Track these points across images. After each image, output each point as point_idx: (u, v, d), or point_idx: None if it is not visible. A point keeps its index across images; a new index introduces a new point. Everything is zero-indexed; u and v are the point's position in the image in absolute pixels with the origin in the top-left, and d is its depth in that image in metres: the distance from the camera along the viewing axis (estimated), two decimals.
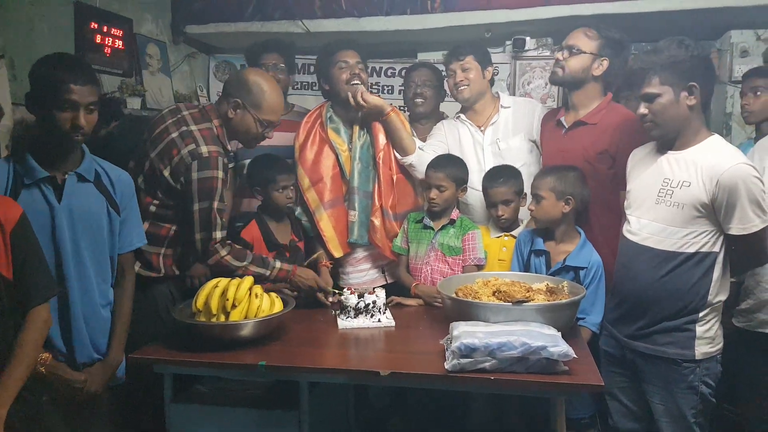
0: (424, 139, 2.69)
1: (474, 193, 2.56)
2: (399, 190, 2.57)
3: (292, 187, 2.44)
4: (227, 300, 1.88)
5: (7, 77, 2.38)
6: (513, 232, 2.45)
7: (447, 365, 1.69)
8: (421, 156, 2.54)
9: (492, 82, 2.70)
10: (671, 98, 1.86)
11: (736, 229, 1.79)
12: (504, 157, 2.57)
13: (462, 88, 2.60)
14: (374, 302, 2.16)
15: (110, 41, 3.04)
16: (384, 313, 2.18)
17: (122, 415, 1.97)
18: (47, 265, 1.61)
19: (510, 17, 3.37)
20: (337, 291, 2.29)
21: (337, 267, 2.62)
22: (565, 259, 2.23)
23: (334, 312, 2.25)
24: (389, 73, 3.96)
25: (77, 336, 1.77)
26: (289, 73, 2.90)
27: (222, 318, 1.89)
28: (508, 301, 1.91)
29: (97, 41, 2.97)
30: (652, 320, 1.93)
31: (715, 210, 1.81)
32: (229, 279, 1.96)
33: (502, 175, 2.39)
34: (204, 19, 3.61)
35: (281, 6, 3.51)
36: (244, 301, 1.91)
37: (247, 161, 2.59)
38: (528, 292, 1.99)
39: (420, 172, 2.53)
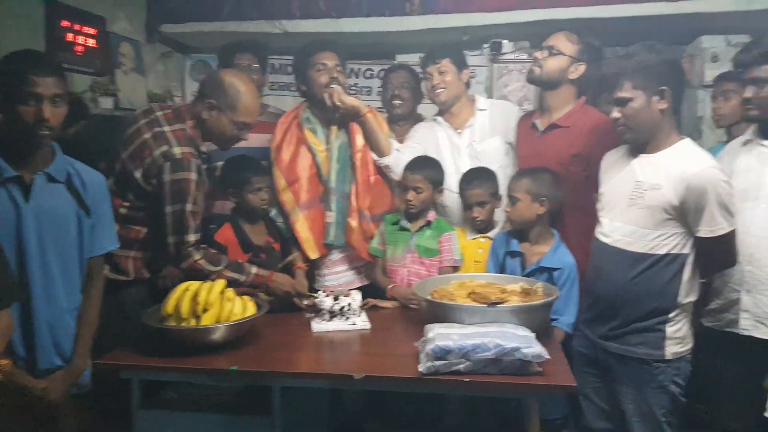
0: (401, 141, 2.69)
1: (451, 195, 2.56)
2: (376, 191, 2.56)
3: (266, 189, 2.42)
4: (198, 304, 1.85)
5: None
6: (489, 234, 2.46)
7: (421, 368, 1.69)
8: (398, 158, 2.53)
9: (468, 84, 2.71)
10: (643, 102, 1.89)
11: (704, 231, 1.82)
12: (480, 160, 2.57)
13: (439, 91, 2.60)
14: (349, 305, 2.14)
15: (82, 39, 2.99)
16: (359, 315, 2.16)
17: (88, 424, 1.92)
18: (10, 268, 1.57)
19: (487, 20, 3.39)
20: (312, 294, 2.27)
21: (313, 269, 2.60)
22: (539, 261, 2.25)
23: (308, 315, 2.23)
24: (367, 75, 3.95)
25: (40, 342, 1.72)
26: (263, 74, 2.88)
27: (193, 322, 1.86)
28: (483, 303, 1.92)
29: (69, 39, 2.92)
30: (623, 321, 1.94)
31: (685, 212, 1.83)
32: (201, 282, 1.94)
33: (477, 177, 2.41)
34: (180, 18, 3.57)
35: (258, 6, 3.49)
36: (216, 304, 1.88)
37: (220, 163, 2.56)
38: (503, 293, 2.00)
39: (396, 173, 2.52)
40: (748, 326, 1.99)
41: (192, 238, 2.03)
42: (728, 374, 2.09)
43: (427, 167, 2.43)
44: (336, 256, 2.59)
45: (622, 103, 1.91)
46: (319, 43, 2.56)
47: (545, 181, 2.25)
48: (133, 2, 3.46)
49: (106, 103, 3.07)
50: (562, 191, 2.29)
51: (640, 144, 1.96)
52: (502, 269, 2.33)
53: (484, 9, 3.38)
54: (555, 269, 2.22)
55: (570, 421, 2.32)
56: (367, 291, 2.44)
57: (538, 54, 2.43)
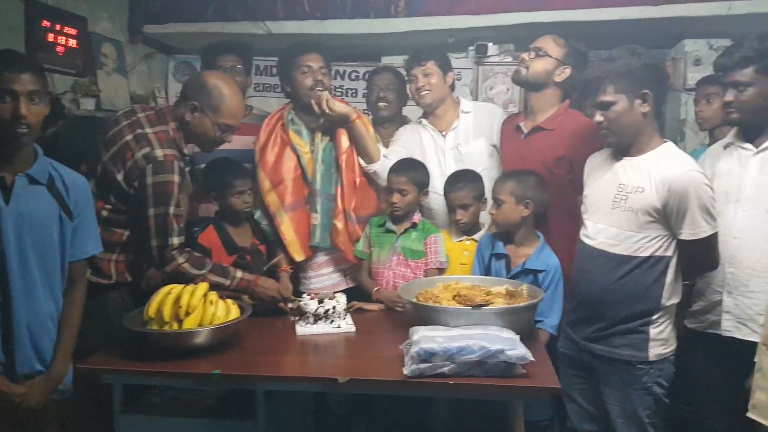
0: (387, 144, 2.68)
1: (437, 198, 2.56)
2: (362, 193, 2.56)
3: (249, 192, 2.40)
4: (180, 307, 1.83)
5: None
6: (475, 236, 2.46)
7: (406, 370, 1.68)
8: (386, 164, 2.52)
9: (453, 87, 2.71)
10: (625, 106, 1.90)
11: (686, 234, 1.84)
12: (465, 162, 2.58)
13: (424, 93, 2.60)
14: (334, 308, 2.13)
15: (63, 40, 2.95)
16: (344, 318, 2.15)
17: (69, 429, 1.89)
18: None
19: (472, 23, 3.41)
20: (297, 298, 2.26)
21: (298, 272, 2.58)
22: (524, 263, 2.25)
23: (293, 318, 2.21)
24: (353, 76, 3.95)
25: (19, 346, 1.68)
26: (246, 75, 2.86)
27: (175, 326, 1.84)
28: (468, 305, 1.92)
29: (49, 40, 2.88)
30: (608, 323, 1.95)
31: (667, 215, 1.84)
32: (183, 286, 1.91)
33: (461, 180, 2.41)
34: (163, 18, 3.55)
35: (242, 7, 3.47)
36: (199, 308, 1.86)
37: (204, 165, 2.54)
38: (487, 295, 2.00)
39: (384, 179, 2.51)
40: (729, 327, 2.01)
41: (175, 241, 2.01)
42: (711, 375, 2.10)
43: (411, 169, 2.43)
44: (321, 258, 2.58)
45: (605, 106, 1.92)
46: (304, 44, 2.55)
47: (530, 184, 2.26)
48: (115, 3, 3.43)
49: (88, 104, 3.03)
50: (547, 194, 2.29)
51: (623, 147, 1.97)
52: (487, 271, 2.33)
53: (470, 12, 3.39)
54: (540, 271, 2.23)
55: (555, 422, 2.33)
56: (352, 293, 2.43)
57: (525, 55, 2.45)
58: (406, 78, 2.80)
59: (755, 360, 1.57)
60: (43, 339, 1.74)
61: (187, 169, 2.49)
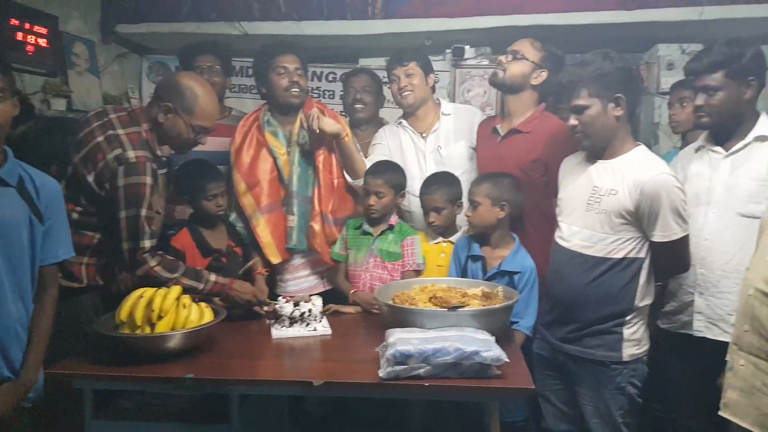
0: (364, 146, 2.67)
1: (415, 200, 2.56)
2: (339, 195, 2.54)
3: (222, 195, 2.38)
4: (153, 311, 1.80)
5: None
6: (451, 238, 2.47)
7: (381, 373, 1.68)
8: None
9: (434, 89, 2.71)
10: (599, 110, 1.92)
11: (658, 236, 1.86)
12: (445, 164, 2.59)
13: (406, 93, 2.60)
14: (310, 311, 2.12)
15: (33, 39, 2.89)
16: (320, 321, 2.14)
17: None
18: None
19: (449, 26, 3.41)
20: (273, 302, 2.23)
21: (275, 274, 2.57)
22: (500, 264, 2.26)
23: (268, 322, 2.19)
24: (330, 78, 3.93)
25: None
26: (225, 76, 2.84)
27: (147, 330, 1.81)
28: (444, 307, 1.92)
29: (19, 39, 2.81)
30: (582, 324, 1.97)
31: (639, 217, 1.87)
32: (155, 289, 1.89)
33: (435, 183, 2.42)
34: (136, 18, 3.48)
35: (218, 7, 3.43)
36: (171, 311, 1.84)
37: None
38: (463, 297, 2.00)
39: None
40: (701, 327, 2.05)
41: (147, 244, 1.98)
42: (683, 374, 2.14)
43: (388, 172, 2.43)
44: (298, 261, 2.57)
45: (579, 110, 1.94)
46: (280, 45, 2.53)
47: (506, 186, 2.27)
48: (86, 1, 3.36)
49: (59, 105, 2.96)
50: (523, 196, 2.31)
51: (597, 150, 1.99)
52: (464, 273, 2.34)
53: (447, 14, 3.40)
54: (515, 273, 2.24)
55: (531, 423, 2.34)
56: (329, 296, 2.42)
57: (502, 58, 2.46)
58: (384, 79, 2.80)
59: (727, 359, 1.60)
60: (11, 345, 1.69)
61: (164, 171, 2.46)
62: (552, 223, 2.16)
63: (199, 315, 1.89)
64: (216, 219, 2.42)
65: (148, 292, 1.87)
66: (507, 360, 1.66)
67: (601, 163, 1.98)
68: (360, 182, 2.51)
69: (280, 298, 2.19)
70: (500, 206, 2.26)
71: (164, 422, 1.86)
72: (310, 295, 2.26)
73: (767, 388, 1.41)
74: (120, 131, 2.00)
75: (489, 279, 2.24)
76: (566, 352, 2.02)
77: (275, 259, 2.48)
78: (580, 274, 1.95)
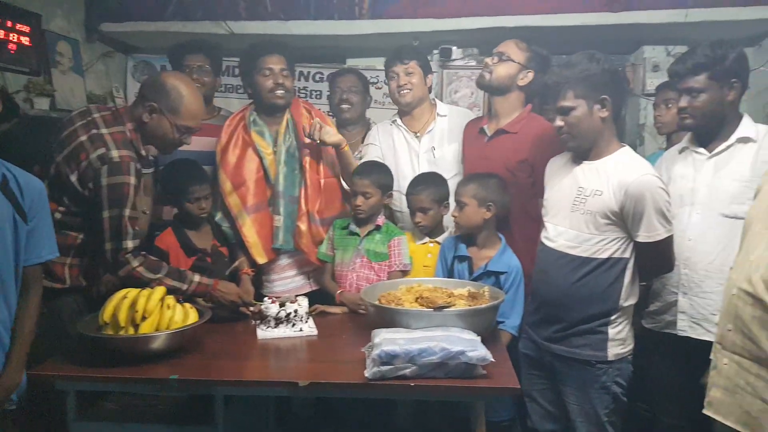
0: (351, 145, 2.67)
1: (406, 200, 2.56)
2: (327, 194, 2.54)
3: (206, 198, 2.36)
4: (137, 311, 1.79)
5: None
6: (438, 239, 2.47)
7: (367, 373, 1.68)
8: None
9: (430, 89, 2.72)
10: (585, 111, 1.93)
11: (643, 236, 1.87)
12: (438, 165, 2.59)
13: (405, 91, 2.60)
14: (296, 311, 2.11)
15: (15, 37, 2.85)
16: (306, 322, 2.13)
17: None
18: None
19: (437, 26, 3.42)
20: (258, 302, 2.22)
21: (261, 274, 2.55)
22: (486, 265, 2.27)
23: (254, 322, 2.18)
24: (317, 78, 3.92)
25: None
26: (215, 76, 2.82)
27: (131, 331, 1.80)
28: (430, 307, 1.92)
29: (0, 37, 2.77)
30: (567, 323, 1.98)
31: (624, 218, 1.88)
32: (139, 290, 1.87)
33: (422, 183, 2.42)
34: (121, 16, 3.45)
35: (204, 6, 3.41)
36: (155, 312, 1.82)
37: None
38: (449, 297, 2.00)
39: None
40: (684, 327, 2.07)
41: (130, 244, 1.96)
42: (668, 374, 2.15)
43: (375, 172, 2.43)
44: (285, 261, 2.56)
45: (565, 111, 1.95)
46: (265, 45, 2.51)
47: (492, 187, 2.28)
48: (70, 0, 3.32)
49: (42, 104, 2.93)
50: (509, 196, 2.32)
51: (583, 151, 2.00)
52: (450, 273, 2.35)
53: (434, 15, 3.40)
54: (501, 273, 2.25)
55: (517, 422, 2.35)
56: (316, 296, 2.41)
57: (488, 60, 2.47)
58: (371, 79, 2.79)
59: (711, 358, 1.61)
60: None
61: (152, 170, 2.44)
62: (538, 224, 2.17)
63: (184, 316, 1.88)
64: (201, 219, 2.40)
65: (131, 292, 1.85)
66: (492, 360, 1.67)
67: (586, 164, 1.99)
68: None
69: (266, 298, 2.18)
70: (486, 207, 2.26)
71: (148, 424, 1.85)
72: (297, 296, 2.25)
73: (750, 387, 1.42)
74: (104, 130, 1.98)
75: (475, 279, 2.25)
76: (552, 351, 2.02)
77: (261, 259, 2.47)
78: (565, 274, 1.96)
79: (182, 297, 1.99)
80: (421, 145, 2.65)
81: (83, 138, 1.96)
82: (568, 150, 2.07)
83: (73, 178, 1.94)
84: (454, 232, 2.46)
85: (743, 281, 1.44)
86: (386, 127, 2.74)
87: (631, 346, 2.00)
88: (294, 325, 2.10)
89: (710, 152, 2.06)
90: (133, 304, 1.82)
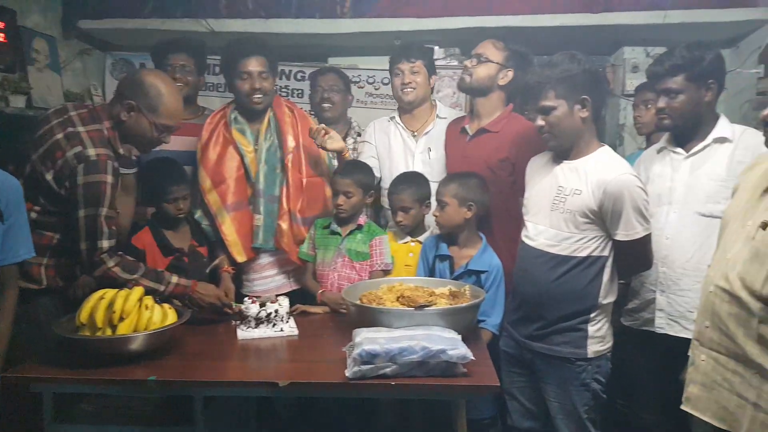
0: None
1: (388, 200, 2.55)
2: (309, 194, 2.52)
3: (184, 198, 2.34)
4: (114, 312, 1.76)
5: None
6: (419, 238, 2.47)
7: (348, 372, 1.67)
8: None
9: (432, 90, 2.72)
10: (565, 111, 1.94)
11: (621, 235, 1.89)
12: (433, 167, 2.60)
13: (408, 90, 2.60)
14: (276, 311, 2.10)
15: None
16: (287, 322, 2.12)
17: None
18: None
19: (419, 26, 3.42)
20: (238, 304, 2.19)
21: (241, 273, 2.53)
22: (467, 264, 2.28)
23: (234, 322, 2.16)
24: (299, 77, 3.89)
25: None
26: (199, 75, 2.78)
27: (108, 332, 1.77)
28: (411, 306, 1.92)
29: None
30: (547, 321, 1.99)
31: (603, 216, 1.90)
32: (117, 290, 1.84)
33: (404, 182, 2.42)
34: (99, 13, 3.40)
35: (184, 3, 3.37)
36: (133, 313, 1.80)
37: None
38: (431, 296, 2.01)
39: None
40: (662, 324, 2.09)
41: (105, 244, 1.93)
42: (646, 370, 2.18)
43: (357, 172, 2.42)
44: (265, 260, 2.54)
45: (546, 111, 1.96)
46: (244, 47, 2.45)
47: (472, 186, 2.29)
48: None
49: (18, 102, 2.87)
50: (489, 196, 2.32)
51: (563, 150, 2.02)
52: (432, 272, 2.35)
53: (416, 15, 3.41)
54: (482, 272, 2.25)
55: (498, 420, 2.36)
56: (297, 296, 2.40)
57: (467, 63, 2.48)
58: (353, 78, 2.78)
59: (689, 354, 1.63)
60: None
61: (134, 170, 2.41)
62: (519, 222, 2.18)
63: (162, 316, 1.85)
64: (179, 219, 2.38)
65: (109, 293, 1.83)
66: (473, 358, 1.67)
67: (566, 164, 2.01)
68: None
69: (246, 298, 2.16)
70: (467, 206, 2.27)
71: (127, 426, 1.82)
72: (277, 295, 2.23)
73: (727, 383, 1.44)
74: (80, 128, 1.95)
75: (456, 278, 2.25)
76: (532, 349, 2.04)
77: (241, 258, 2.45)
78: (545, 272, 1.98)
79: (159, 298, 1.97)
80: (417, 145, 2.65)
81: (59, 136, 1.93)
82: (549, 149, 2.08)
83: (49, 176, 1.91)
84: (435, 231, 2.46)
85: (720, 279, 1.46)
86: (383, 125, 2.74)
87: (610, 344, 2.02)
88: (275, 325, 2.08)
89: (687, 152, 2.09)
90: (110, 305, 1.79)
